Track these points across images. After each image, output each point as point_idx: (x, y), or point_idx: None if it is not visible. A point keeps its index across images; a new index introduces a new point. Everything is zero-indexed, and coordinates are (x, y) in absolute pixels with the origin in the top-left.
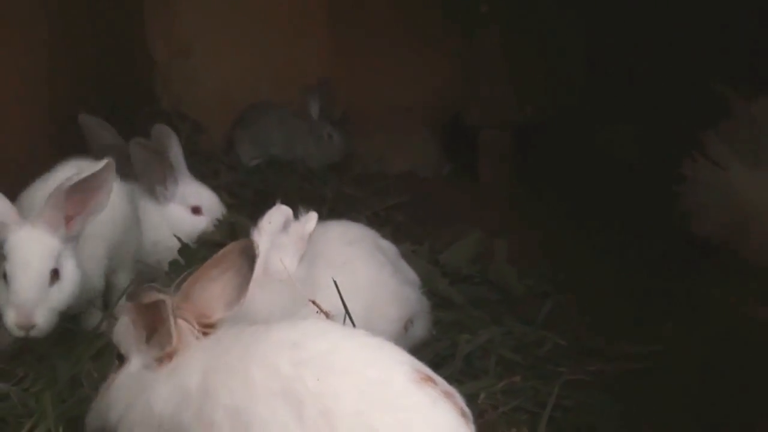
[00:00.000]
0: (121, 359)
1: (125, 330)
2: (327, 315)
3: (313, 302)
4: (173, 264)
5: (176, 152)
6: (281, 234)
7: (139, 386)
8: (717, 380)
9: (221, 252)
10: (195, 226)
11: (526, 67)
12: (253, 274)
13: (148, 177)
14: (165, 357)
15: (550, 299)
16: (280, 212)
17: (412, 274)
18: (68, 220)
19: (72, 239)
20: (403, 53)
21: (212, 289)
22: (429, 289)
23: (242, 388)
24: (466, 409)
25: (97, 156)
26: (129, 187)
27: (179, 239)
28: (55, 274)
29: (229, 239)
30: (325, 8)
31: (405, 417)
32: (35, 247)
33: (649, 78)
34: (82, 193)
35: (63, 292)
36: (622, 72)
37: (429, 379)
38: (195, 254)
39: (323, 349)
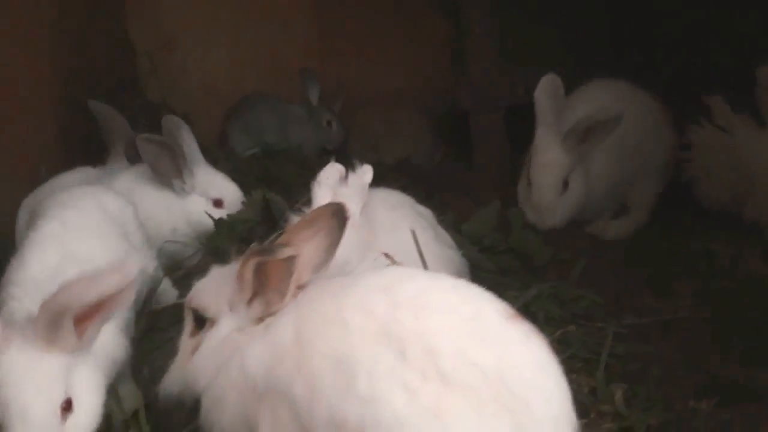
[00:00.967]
0: (201, 324)
1: (215, 293)
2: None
3: (386, 255)
4: (212, 239)
5: (188, 142)
6: (341, 186)
7: (230, 349)
8: (735, 328)
9: (312, 213)
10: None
11: (516, 49)
12: (342, 237)
13: (162, 171)
14: (268, 316)
15: (580, 262)
16: (334, 168)
17: (449, 238)
18: (79, 324)
19: (87, 345)
20: (392, 40)
21: (303, 250)
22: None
23: (341, 335)
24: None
25: (108, 145)
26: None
27: (210, 216)
28: (66, 407)
29: (262, 216)
30: None
31: (503, 351)
32: (32, 376)
33: (650, 47)
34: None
35: (80, 428)
36: (619, 43)
37: (517, 316)
38: (234, 228)
39: (415, 291)
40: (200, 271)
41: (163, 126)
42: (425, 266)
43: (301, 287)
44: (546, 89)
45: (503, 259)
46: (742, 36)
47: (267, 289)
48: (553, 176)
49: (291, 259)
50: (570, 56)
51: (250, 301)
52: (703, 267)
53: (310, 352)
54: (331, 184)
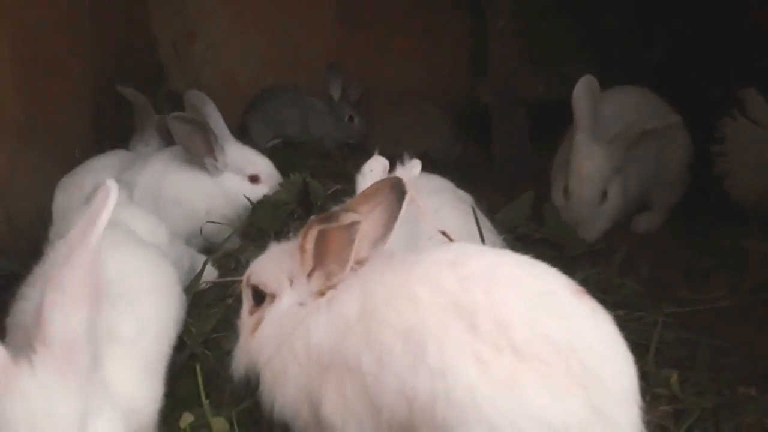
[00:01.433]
0: (260, 300)
1: (275, 268)
2: None
3: (443, 233)
4: (254, 220)
5: (215, 118)
6: None
7: (292, 323)
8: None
9: (371, 188)
10: (254, 195)
11: (537, 45)
12: (400, 213)
13: (195, 150)
14: (329, 288)
15: (621, 251)
16: (378, 161)
17: (489, 223)
18: None
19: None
20: (411, 33)
21: (361, 225)
22: None
23: (409, 308)
24: None
25: (137, 127)
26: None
27: (248, 199)
28: None
29: (299, 199)
30: None
31: (573, 324)
32: (49, 415)
33: (677, 42)
34: None
35: None
36: (644, 38)
37: (583, 291)
38: (276, 208)
39: (484, 265)
40: (242, 251)
41: (187, 101)
42: (483, 242)
43: (359, 262)
44: (584, 91)
45: (537, 249)
46: None
47: (328, 261)
48: (593, 188)
49: (354, 226)
50: (591, 53)
51: (311, 273)
52: (735, 261)
53: (378, 325)
54: (375, 176)
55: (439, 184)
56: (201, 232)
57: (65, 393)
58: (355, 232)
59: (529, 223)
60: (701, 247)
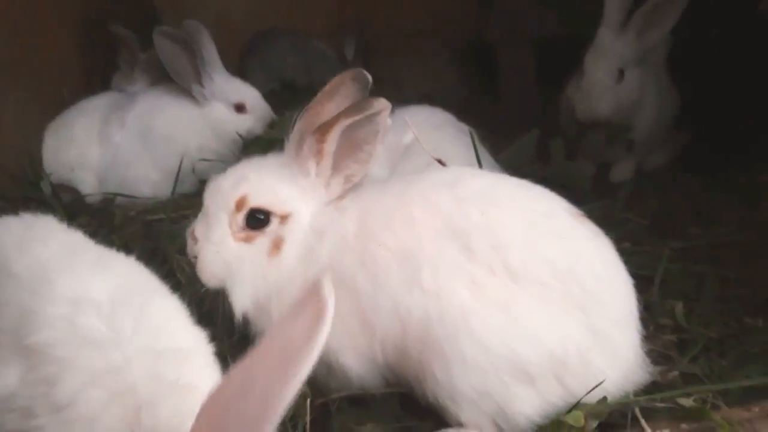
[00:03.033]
0: (259, 224)
1: (284, 186)
2: None
3: (439, 160)
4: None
5: (208, 47)
6: None
7: (314, 237)
8: None
9: (332, 82)
10: (239, 125)
11: None
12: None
13: (181, 74)
14: (347, 191)
15: (627, 185)
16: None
17: (490, 158)
18: None
19: None
20: None
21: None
22: None
23: (405, 229)
24: None
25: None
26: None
27: (240, 135)
28: None
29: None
30: None
31: (574, 246)
32: None
33: None
34: None
35: None
36: None
37: (583, 215)
38: (271, 146)
39: (482, 186)
40: None
41: (183, 29)
42: (480, 167)
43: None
44: None
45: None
46: None
47: (346, 162)
48: (607, 60)
49: (383, 114)
50: None
51: (329, 180)
52: (749, 197)
53: (374, 245)
54: None
55: (439, 118)
56: (193, 170)
57: None
58: (382, 121)
59: (532, 164)
60: (714, 184)
